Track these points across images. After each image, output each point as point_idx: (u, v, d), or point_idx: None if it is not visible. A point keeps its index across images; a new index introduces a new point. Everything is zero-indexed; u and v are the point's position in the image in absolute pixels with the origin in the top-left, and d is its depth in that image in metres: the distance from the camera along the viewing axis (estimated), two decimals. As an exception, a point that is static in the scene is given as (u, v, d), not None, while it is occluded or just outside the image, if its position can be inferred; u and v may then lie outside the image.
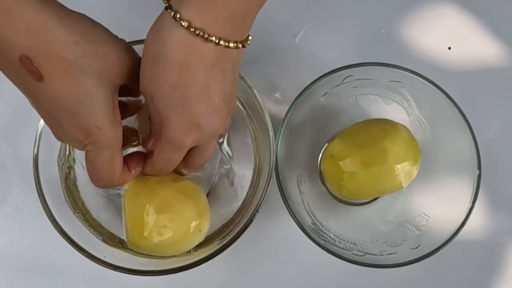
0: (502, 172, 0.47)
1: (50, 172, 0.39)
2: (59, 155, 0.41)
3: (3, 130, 0.46)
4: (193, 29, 0.27)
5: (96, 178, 0.33)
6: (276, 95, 0.47)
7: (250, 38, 0.31)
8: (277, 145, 0.40)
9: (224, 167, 0.45)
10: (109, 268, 0.37)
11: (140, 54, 0.31)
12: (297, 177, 0.43)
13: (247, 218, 0.38)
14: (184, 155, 0.34)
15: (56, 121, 0.30)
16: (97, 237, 0.40)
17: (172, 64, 0.28)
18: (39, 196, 0.38)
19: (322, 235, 0.40)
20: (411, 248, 0.40)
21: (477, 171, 0.39)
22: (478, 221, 0.46)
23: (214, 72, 0.30)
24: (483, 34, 0.48)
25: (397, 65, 0.40)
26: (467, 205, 0.39)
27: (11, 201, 0.45)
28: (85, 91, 0.28)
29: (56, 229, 0.37)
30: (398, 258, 0.39)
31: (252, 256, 0.45)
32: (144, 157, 0.36)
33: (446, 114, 0.40)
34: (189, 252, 0.41)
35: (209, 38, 0.28)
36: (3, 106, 0.47)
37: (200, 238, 0.39)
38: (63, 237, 0.37)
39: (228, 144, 0.45)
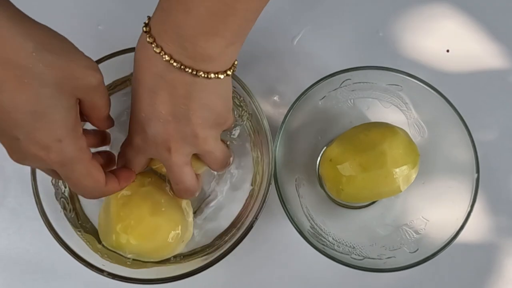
0: (501, 175, 0.47)
1: (47, 181, 0.39)
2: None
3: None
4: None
5: (82, 193, 0.32)
6: (274, 98, 0.46)
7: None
8: (275, 148, 0.39)
9: (223, 171, 0.44)
10: (107, 277, 0.37)
11: None
12: (296, 181, 0.43)
13: (247, 224, 0.38)
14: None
15: (12, 138, 0.27)
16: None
17: (163, 98, 0.32)
18: (37, 204, 0.38)
19: (320, 239, 0.40)
20: (410, 252, 0.40)
21: (476, 174, 0.39)
22: (477, 224, 0.46)
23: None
24: (481, 36, 0.48)
25: (395, 69, 0.40)
26: (466, 208, 0.39)
27: (8, 204, 0.45)
28: (43, 102, 0.26)
29: (55, 238, 0.37)
30: (397, 262, 0.39)
31: (251, 260, 0.45)
32: (130, 171, 0.37)
33: (445, 117, 0.40)
34: (189, 259, 0.41)
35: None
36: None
37: (181, 247, 0.39)
38: (61, 246, 0.37)
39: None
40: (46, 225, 0.37)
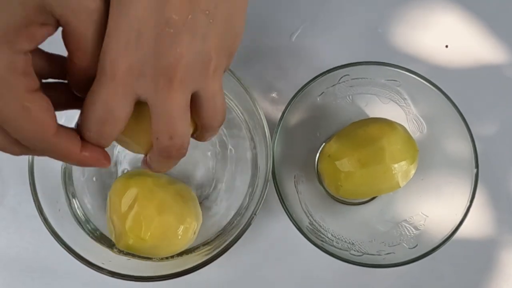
0: (500, 170, 0.47)
1: (46, 181, 0.39)
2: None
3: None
4: None
5: (19, 137, 0.22)
6: (273, 95, 0.46)
7: None
8: (273, 145, 0.39)
9: (221, 168, 0.45)
10: (107, 275, 0.37)
11: None
12: (295, 177, 0.43)
13: (245, 221, 0.38)
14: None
15: None
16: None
17: None
18: (35, 203, 0.38)
19: (319, 235, 0.40)
20: (409, 248, 0.40)
21: (475, 170, 0.39)
22: (476, 220, 0.46)
23: None
24: (480, 32, 0.48)
25: (393, 64, 0.40)
26: (465, 203, 0.39)
27: (8, 203, 0.45)
28: None
29: (53, 236, 0.37)
30: (396, 258, 0.39)
31: (249, 257, 0.45)
32: (105, 152, 0.26)
33: (444, 113, 0.40)
34: (188, 256, 0.41)
35: None
36: None
37: (192, 239, 0.39)
38: (60, 244, 0.37)
39: (225, 144, 0.45)
40: (44, 224, 0.37)
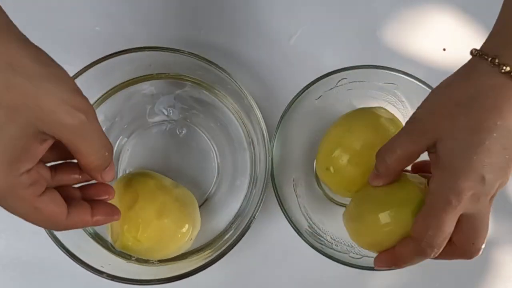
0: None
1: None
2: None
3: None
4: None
5: (41, 225, 0.28)
6: (271, 98, 0.46)
7: None
8: (272, 148, 0.40)
9: (221, 171, 0.45)
10: (107, 279, 0.37)
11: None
12: (293, 181, 0.43)
13: (244, 225, 0.38)
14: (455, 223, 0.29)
15: None
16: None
17: (483, 106, 0.27)
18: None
19: (319, 238, 0.40)
20: (407, 250, 0.40)
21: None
22: (474, 222, 0.46)
23: None
24: (478, 35, 0.48)
25: (390, 67, 0.40)
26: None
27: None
28: None
29: (53, 240, 0.37)
30: (394, 260, 0.39)
31: (249, 260, 0.45)
32: (113, 208, 0.32)
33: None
34: (187, 259, 0.41)
35: None
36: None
37: (189, 244, 0.39)
38: (59, 248, 0.37)
39: (224, 148, 0.45)
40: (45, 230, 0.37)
